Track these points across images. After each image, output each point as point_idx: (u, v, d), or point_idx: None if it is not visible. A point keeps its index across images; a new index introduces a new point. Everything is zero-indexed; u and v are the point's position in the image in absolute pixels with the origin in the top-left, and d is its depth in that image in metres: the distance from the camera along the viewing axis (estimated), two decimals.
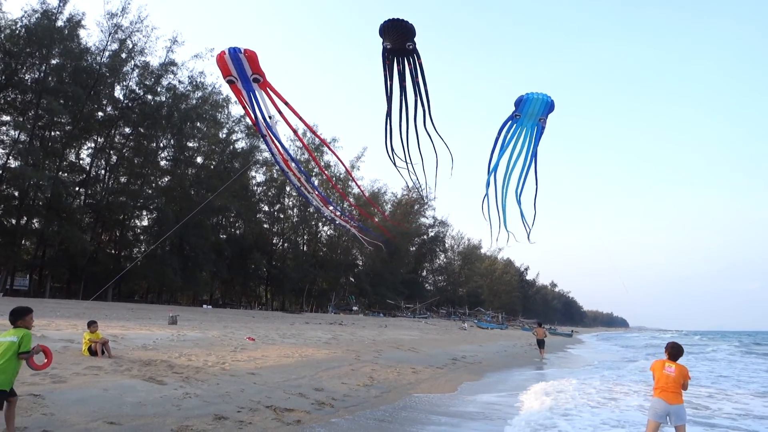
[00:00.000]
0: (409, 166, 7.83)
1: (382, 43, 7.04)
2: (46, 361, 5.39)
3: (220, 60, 7.41)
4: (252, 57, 7.34)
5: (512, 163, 8.25)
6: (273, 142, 8.12)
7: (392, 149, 7.67)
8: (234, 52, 7.31)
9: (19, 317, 5.23)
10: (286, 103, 7.68)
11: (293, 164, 8.47)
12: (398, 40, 6.90)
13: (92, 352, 10.27)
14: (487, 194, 8.38)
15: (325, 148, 68.01)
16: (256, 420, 7.09)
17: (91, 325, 10.72)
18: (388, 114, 7.38)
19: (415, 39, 6.92)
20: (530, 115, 7.92)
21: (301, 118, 7.75)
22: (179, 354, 12.00)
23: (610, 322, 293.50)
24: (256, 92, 7.69)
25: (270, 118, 7.79)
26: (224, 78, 7.57)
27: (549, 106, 7.84)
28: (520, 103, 7.97)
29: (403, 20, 6.87)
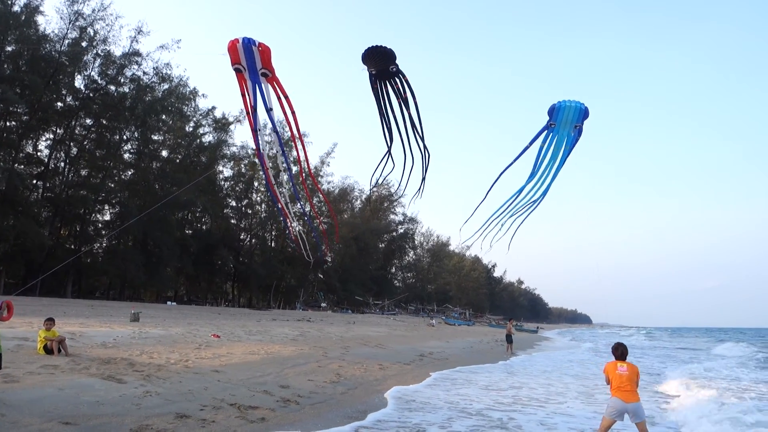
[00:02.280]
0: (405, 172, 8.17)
1: (367, 70, 7.43)
2: (6, 315, 6.65)
3: (232, 47, 7.30)
4: (266, 51, 7.26)
5: (543, 172, 8.34)
6: (256, 138, 8.03)
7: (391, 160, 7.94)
8: (248, 42, 7.22)
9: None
10: (290, 105, 7.62)
11: (284, 164, 8.15)
12: (380, 65, 7.30)
13: (48, 350, 9.92)
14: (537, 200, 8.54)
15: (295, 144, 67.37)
16: (220, 418, 6.97)
17: (48, 322, 10.37)
18: (387, 132, 7.72)
19: (396, 61, 7.31)
20: (565, 123, 8.01)
21: (296, 124, 7.72)
22: (141, 352, 11.72)
23: (574, 318, 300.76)
24: (263, 86, 7.59)
25: (270, 110, 7.70)
26: (232, 65, 7.47)
27: (583, 113, 7.92)
28: (553, 111, 8.05)
29: (381, 46, 7.27)
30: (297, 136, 7.96)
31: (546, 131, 8.21)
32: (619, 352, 6.84)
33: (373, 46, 7.27)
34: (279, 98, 7.72)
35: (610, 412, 6.53)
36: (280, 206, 9.72)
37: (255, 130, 8.07)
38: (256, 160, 64.79)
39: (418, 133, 7.75)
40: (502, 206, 8.66)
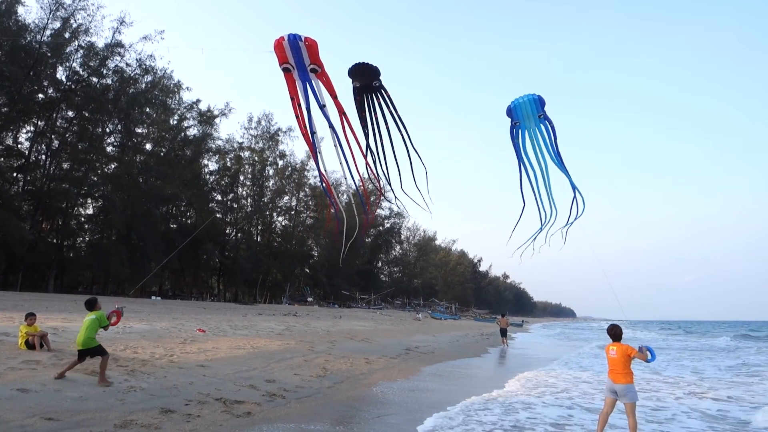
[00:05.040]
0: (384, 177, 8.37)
1: (352, 83, 7.81)
2: (116, 319, 8.25)
3: (278, 46, 7.06)
4: (313, 46, 7.04)
5: (542, 164, 8.41)
6: (312, 141, 7.83)
7: (375, 167, 8.31)
8: (294, 39, 6.98)
9: (93, 305, 8.03)
10: (336, 99, 7.50)
11: (346, 164, 7.82)
12: (366, 79, 7.73)
13: (30, 345, 9.78)
14: (539, 203, 8.65)
15: (280, 137, 66.86)
16: (205, 413, 6.95)
17: (29, 317, 10.21)
18: (367, 140, 8.03)
19: (380, 77, 7.75)
20: (527, 117, 8.12)
21: (348, 120, 7.60)
22: (125, 347, 11.62)
23: (558, 312, 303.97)
24: (313, 82, 7.38)
25: (324, 107, 7.52)
26: (280, 65, 7.25)
27: (537, 102, 8.06)
28: (510, 112, 8.18)
29: (367, 63, 7.68)
30: (350, 133, 7.76)
31: (515, 130, 8.39)
32: (613, 332, 7.11)
33: (360, 63, 7.68)
34: (331, 93, 7.55)
35: (605, 390, 7.01)
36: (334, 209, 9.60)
37: (312, 132, 7.79)
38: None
39: (405, 139, 8.00)
40: (543, 216, 8.85)
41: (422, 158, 8.10)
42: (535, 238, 8.99)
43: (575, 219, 8.72)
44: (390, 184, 8.37)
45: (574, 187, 8.49)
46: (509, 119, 8.38)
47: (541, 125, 8.25)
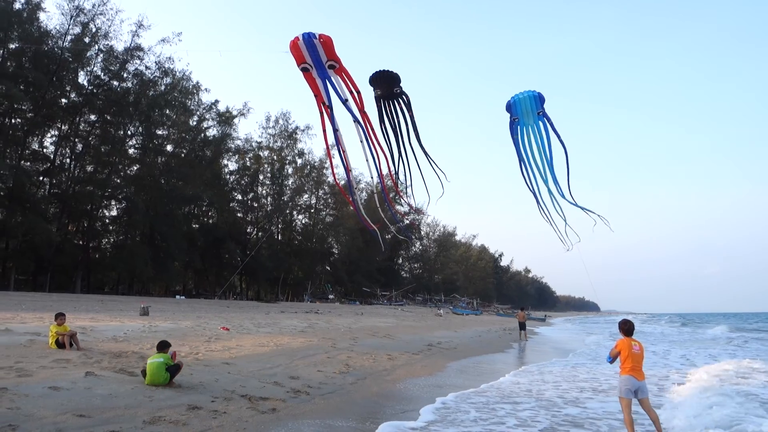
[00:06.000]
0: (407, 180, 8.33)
1: (374, 91, 7.87)
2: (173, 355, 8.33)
3: (294, 47, 7.08)
4: (327, 42, 7.02)
5: (542, 162, 8.35)
6: (338, 139, 7.83)
7: (396, 172, 8.30)
8: (308, 37, 6.98)
9: (165, 347, 8.22)
10: (359, 93, 7.47)
11: (372, 162, 7.78)
12: (387, 87, 7.80)
13: (60, 344, 9.99)
14: (538, 199, 8.65)
15: (298, 135, 67.13)
16: (231, 409, 7.00)
17: (59, 317, 10.43)
18: (389, 146, 8.10)
19: (400, 84, 7.83)
20: (526, 113, 8.06)
21: (366, 116, 7.56)
22: (151, 345, 11.77)
23: (581, 306, 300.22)
24: (332, 79, 7.38)
25: (346, 101, 7.51)
26: (298, 66, 7.26)
27: (536, 99, 8.00)
28: (510, 108, 8.12)
29: (388, 71, 7.77)
30: (370, 129, 7.70)
31: (515, 126, 8.32)
32: (627, 327, 6.83)
33: (380, 70, 7.76)
34: (349, 88, 7.50)
35: (625, 391, 6.55)
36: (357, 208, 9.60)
37: (335, 130, 7.79)
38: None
39: (421, 147, 8.01)
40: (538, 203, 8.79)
41: (436, 164, 8.09)
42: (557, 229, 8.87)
43: (564, 222, 8.70)
44: (410, 187, 8.40)
45: (560, 192, 8.46)
46: (508, 115, 8.33)
47: (539, 123, 8.18)
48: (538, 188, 8.55)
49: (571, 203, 8.56)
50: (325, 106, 7.55)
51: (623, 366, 6.62)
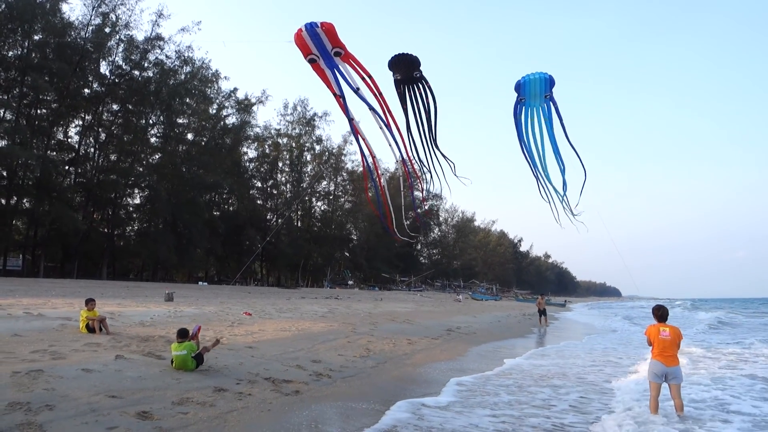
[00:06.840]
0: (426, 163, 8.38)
1: (393, 75, 7.75)
2: (197, 332, 8.54)
3: (299, 38, 7.05)
4: (330, 29, 6.97)
5: (541, 144, 8.34)
6: (354, 127, 7.87)
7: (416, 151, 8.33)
8: (311, 27, 6.94)
9: (185, 336, 8.00)
10: (370, 77, 7.43)
11: (392, 147, 7.85)
12: (406, 71, 7.65)
13: (90, 329, 10.32)
14: (538, 178, 8.69)
15: (316, 122, 67.14)
16: (255, 391, 7.19)
17: (89, 302, 10.76)
18: (408, 129, 8.04)
19: (420, 68, 7.67)
20: (533, 95, 7.98)
21: (382, 97, 7.52)
22: (176, 330, 12.09)
23: (603, 291, 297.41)
24: (340, 66, 7.35)
25: (358, 90, 7.49)
26: (305, 57, 7.24)
27: (547, 82, 7.89)
28: (519, 88, 8.03)
29: (407, 54, 7.58)
30: (388, 113, 7.67)
31: (519, 107, 8.24)
32: (660, 313, 6.84)
33: (400, 54, 7.58)
34: (359, 73, 7.44)
35: (653, 375, 6.62)
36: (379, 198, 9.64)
37: (350, 119, 7.79)
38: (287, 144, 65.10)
39: (432, 132, 7.99)
40: (538, 181, 8.79)
41: (444, 154, 8.14)
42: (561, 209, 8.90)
43: (565, 202, 8.67)
44: (431, 172, 8.39)
45: (563, 172, 8.42)
46: (516, 94, 8.24)
47: (545, 105, 8.10)
48: (537, 169, 8.58)
49: (557, 192, 8.59)
50: (337, 97, 7.53)
51: (652, 351, 6.70)
